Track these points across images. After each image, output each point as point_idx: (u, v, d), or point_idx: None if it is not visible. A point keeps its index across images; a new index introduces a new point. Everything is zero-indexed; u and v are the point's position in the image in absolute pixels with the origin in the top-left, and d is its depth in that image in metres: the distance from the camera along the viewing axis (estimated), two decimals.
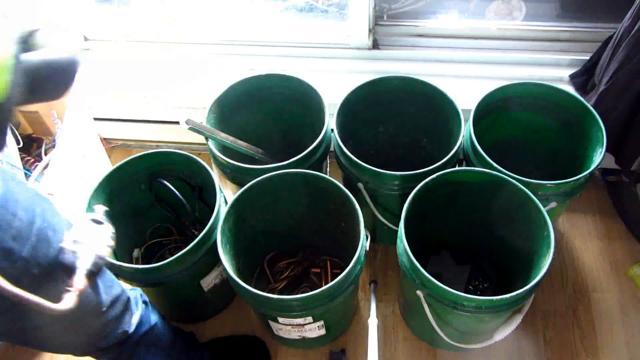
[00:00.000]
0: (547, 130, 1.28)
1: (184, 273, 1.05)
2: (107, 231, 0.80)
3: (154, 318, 1.02)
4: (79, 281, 0.70)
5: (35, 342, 0.83)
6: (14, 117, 0.57)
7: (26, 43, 0.64)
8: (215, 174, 1.13)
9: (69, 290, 0.68)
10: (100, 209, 0.84)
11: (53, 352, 1.03)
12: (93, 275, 0.73)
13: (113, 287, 0.87)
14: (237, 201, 1.07)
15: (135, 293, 0.98)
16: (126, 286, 0.97)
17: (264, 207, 1.16)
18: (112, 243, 0.78)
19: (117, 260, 1.10)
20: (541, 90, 1.22)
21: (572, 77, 1.38)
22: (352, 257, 0.97)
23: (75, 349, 0.91)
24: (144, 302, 1.00)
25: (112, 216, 1.14)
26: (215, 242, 1.02)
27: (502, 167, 1.07)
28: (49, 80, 0.61)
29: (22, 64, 0.57)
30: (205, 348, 1.20)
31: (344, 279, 0.97)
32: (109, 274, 0.87)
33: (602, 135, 1.10)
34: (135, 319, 0.94)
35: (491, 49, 1.46)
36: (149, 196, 1.23)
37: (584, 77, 1.35)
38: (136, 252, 1.28)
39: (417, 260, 0.96)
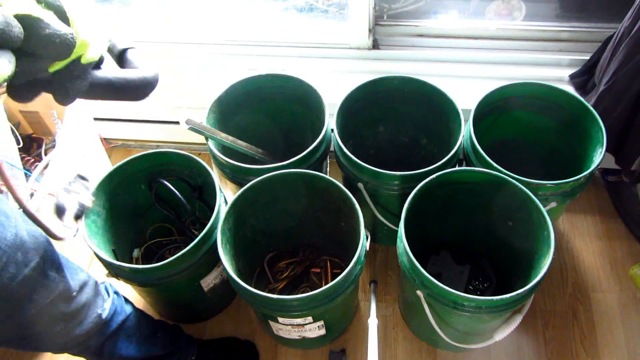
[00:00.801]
0: (547, 130, 1.28)
1: (184, 273, 1.05)
2: (91, 186, 0.92)
3: (128, 308, 1.03)
4: (69, 220, 0.82)
5: (19, 338, 0.85)
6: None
7: (116, 56, 0.74)
8: (215, 174, 1.13)
9: (65, 226, 0.82)
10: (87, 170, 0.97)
11: (35, 350, 1.06)
12: (79, 218, 0.86)
13: (78, 273, 0.90)
14: (237, 201, 1.07)
15: (104, 284, 1.01)
16: (102, 278, 1.01)
17: (264, 207, 1.16)
18: (93, 197, 0.91)
19: (117, 260, 1.10)
20: (541, 90, 1.22)
21: (572, 77, 1.38)
22: (352, 257, 0.97)
23: (54, 342, 0.92)
24: (115, 293, 1.02)
25: (112, 216, 1.16)
26: (215, 242, 1.02)
27: (502, 167, 1.07)
28: (120, 91, 0.69)
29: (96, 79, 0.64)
30: (193, 342, 1.20)
31: (344, 279, 0.97)
32: (72, 263, 0.90)
33: (602, 135, 1.10)
34: (108, 304, 0.96)
35: (491, 49, 1.46)
36: (149, 196, 1.23)
37: (584, 77, 1.35)
38: (136, 252, 1.28)
39: (417, 260, 0.96)
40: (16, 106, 1.39)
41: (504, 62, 1.45)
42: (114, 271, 1.07)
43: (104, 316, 0.95)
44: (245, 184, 1.08)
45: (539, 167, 1.29)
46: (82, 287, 0.90)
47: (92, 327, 0.93)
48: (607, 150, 1.09)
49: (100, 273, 1.12)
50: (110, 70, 0.67)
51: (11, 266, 0.73)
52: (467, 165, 1.18)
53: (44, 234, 0.81)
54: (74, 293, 0.87)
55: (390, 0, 1.48)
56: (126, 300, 1.05)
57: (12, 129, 1.19)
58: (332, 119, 1.20)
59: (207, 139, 1.18)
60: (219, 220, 1.05)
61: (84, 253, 1.37)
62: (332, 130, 1.19)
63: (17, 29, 0.49)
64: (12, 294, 0.75)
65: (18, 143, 1.20)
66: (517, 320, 1.02)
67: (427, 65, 1.45)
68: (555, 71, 1.41)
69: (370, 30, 1.43)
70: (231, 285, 1.00)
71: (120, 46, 0.75)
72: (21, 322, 0.81)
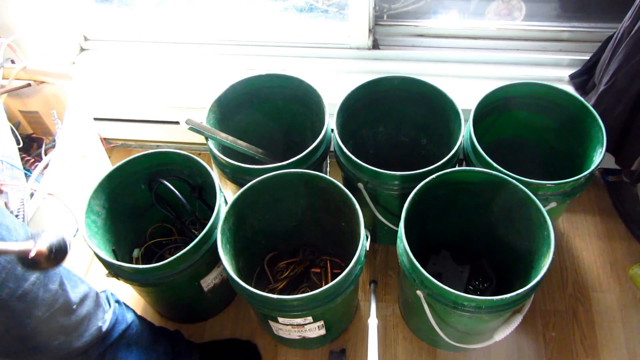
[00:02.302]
0: (547, 130, 1.28)
1: (184, 273, 1.05)
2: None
3: (130, 317, 1.03)
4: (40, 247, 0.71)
5: (18, 351, 0.84)
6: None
7: None
8: (215, 174, 1.13)
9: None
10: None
11: None
12: (52, 251, 0.72)
13: (78, 285, 0.89)
14: (237, 201, 1.07)
15: (105, 293, 1.00)
16: (98, 287, 0.99)
17: (264, 207, 1.16)
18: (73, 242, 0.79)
19: (117, 260, 1.10)
20: (541, 90, 1.22)
21: (572, 77, 1.38)
22: (352, 257, 0.97)
23: (54, 355, 0.91)
24: (117, 302, 1.02)
25: (112, 216, 1.16)
26: (215, 242, 1.02)
27: (502, 167, 1.07)
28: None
29: None
30: (195, 347, 1.19)
31: (344, 279, 0.97)
32: (73, 274, 0.89)
33: (602, 135, 1.10)
34: (108, 316, 0.96)
35: (491, 49, 1.46)
36: (149, 196, 1.23)
37: (584, 77, 1.36)
38: (136, 252, 1.28)
39: (417, 260, 0.96)
40: (16, 106, 1.39)
41: (504, 62, 1.45)
42: (114, 271, 1.07)
43: (104, 329, 0.94)
44: (245, 184, 1.08)
45: (539, 167, 1.29)
46: (83, 299, 0.89)
47: (92, 339, 0.92)
48: (607, 150, 1.09)
49: (100, 274, 1.12)
50: None
51: (11, 281, 0.72)
52: (467, 165, 1.18)
53: None
54: (74, 306, 0.86)
55: (390, 0, 1.48)
56: (127, 307, 1.05)
57: (12, 129, 1.19)
58: (332, 119, 1.20)
59: (207, 139, 1.18)
60: (219, 220, 1.05)
61: (83, 254, 1.37)
62: (332, 130, 1.19)
63: None
64: (12, 308, 0.75)
65: (18, 143, 1.20)
66: (517, 320, 1.02)
67: (427, 65, 1.45)
68: (555, 71, 1.41)
69: (370, 30, 1.43)
70: (231, 285, 1.00)
71: None
72: (20, 336, 0.80)
